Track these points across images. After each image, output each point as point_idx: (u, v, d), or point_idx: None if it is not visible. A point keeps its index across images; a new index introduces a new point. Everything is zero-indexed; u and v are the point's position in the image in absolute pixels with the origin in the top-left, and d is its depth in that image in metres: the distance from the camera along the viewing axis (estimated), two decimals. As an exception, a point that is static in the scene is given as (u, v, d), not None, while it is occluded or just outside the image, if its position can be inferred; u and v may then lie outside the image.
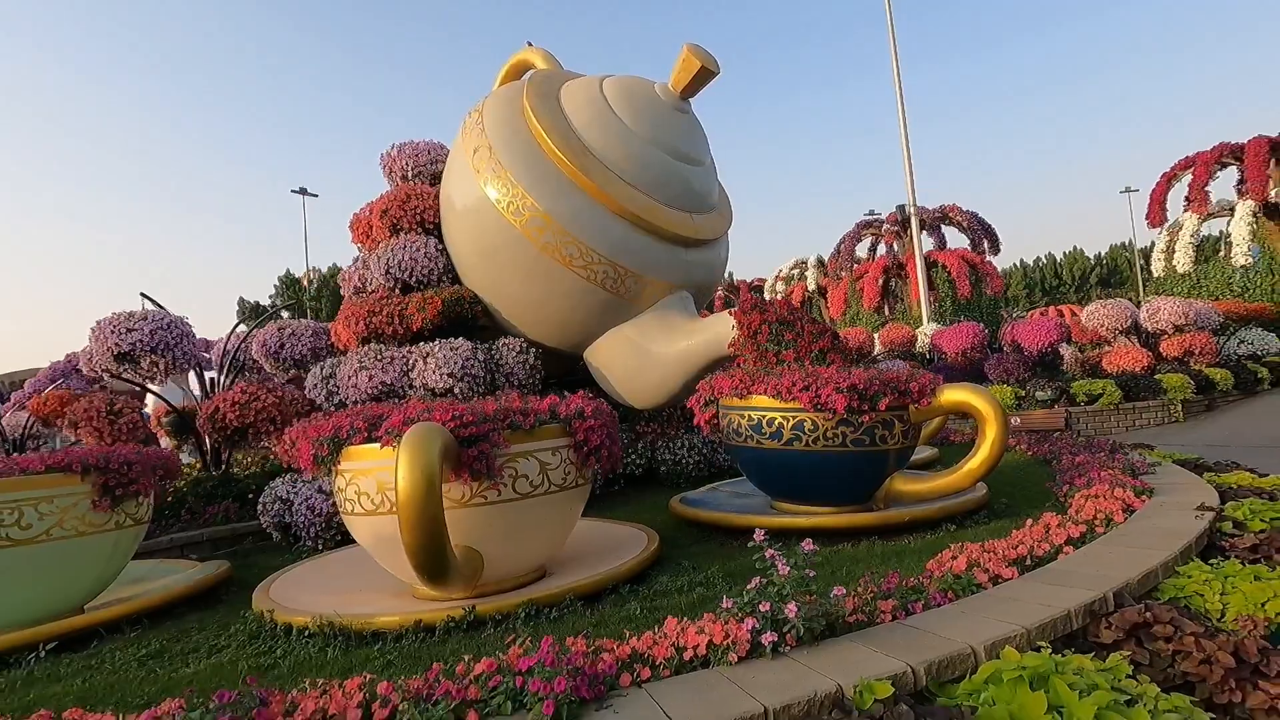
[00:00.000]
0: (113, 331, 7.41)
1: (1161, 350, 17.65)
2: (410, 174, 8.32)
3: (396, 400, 7.24)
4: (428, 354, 7.17)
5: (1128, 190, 64.30)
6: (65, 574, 4.56)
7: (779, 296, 32.75)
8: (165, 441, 10.03)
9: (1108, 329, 18.35)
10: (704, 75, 7.17)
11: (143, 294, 8.19)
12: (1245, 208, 21.52)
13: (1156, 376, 15.97)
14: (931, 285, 25.21)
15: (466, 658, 2.78)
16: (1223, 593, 3.26)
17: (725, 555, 5.00)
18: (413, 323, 7.48)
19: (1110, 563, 3.57)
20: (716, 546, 5.35)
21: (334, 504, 6.50)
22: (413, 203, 7.81)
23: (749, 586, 3.03)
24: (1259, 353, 19.16)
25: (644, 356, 7.39)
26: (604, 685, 2.46)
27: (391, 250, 7.69)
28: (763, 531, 3.21)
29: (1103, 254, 79.83)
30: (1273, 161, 21.93)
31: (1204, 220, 23.20)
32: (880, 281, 26.61)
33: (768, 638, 2.69)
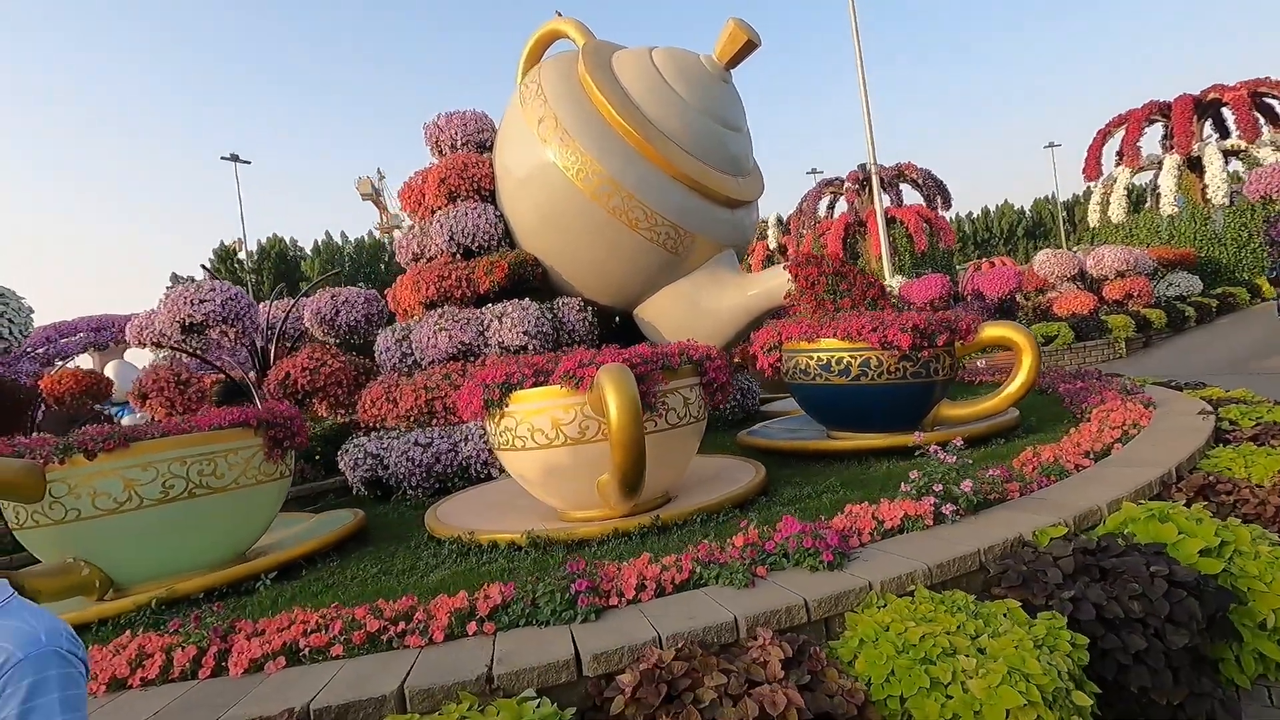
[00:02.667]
0: (186, 302, 7.61)
1: (1104, 294, 19.46)
2: (459, 143, 8.65)
3: (473, 359, 7.75)
4: (502, 314, 7.67)
5: (1051, 145, 67.58)
6: (246, 519, 5.04)
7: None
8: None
9: (1056, 276, 20.06)
10: (748, 48, 7.76)
11: (203, 265, 8.35)
12: (1172, 161, 23.52)
13: (1102, 318, 17.68)
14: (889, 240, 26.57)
15: (704, 540, 3.52)
16: (1247, 466, 4.27)
17: (822, 472, 5.83)
18: (480, 285, 7.95)
19: (1157, 451, 4.56)
20: (803, 468, 6.19)
21: (432, 455, 7.07)
22: (470, 170, 8.19)
23: (912, 476, 3.85)
24: (1185, 294, 21.29)
25: (696, 310, 8.09)
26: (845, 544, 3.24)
27: (454, 217, 8.08)
28: (920, 434, 4.01)
29: (1026, 208, 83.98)
30: (1195, 118, 23.94)
31: (1135, 174, 25.20)
32: (843, 238, 27.85)
33: (948, 508, 3.52)
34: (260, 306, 9.96)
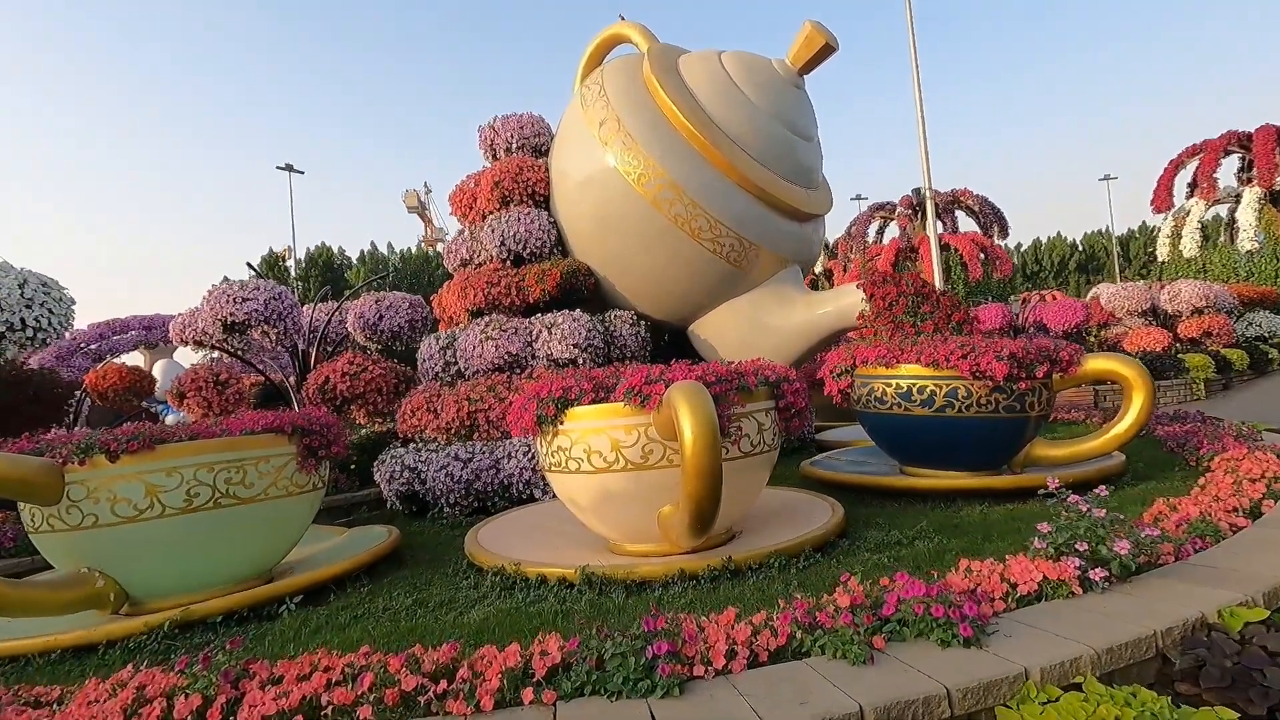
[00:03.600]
0: (228, 300, 7.37)
1: (1179, 331, 18.28)
2: (514, 147, 8.32)
3: (519, 371, 7.33)
4: (551, 325, 7.24)
5: (1106, 178, 65.29)
6: (274, 533, 4.63)
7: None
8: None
9: (1125, 310, 18.94)
10: (825, 52, 7.28)
11: (249, 264, 8.12)
12: (1253, 194, 22.22)
13: (1180, 356, 16.55)
14: (943, 267, 25.65)
15: (794, 593, 2.96)
16: None
17: (904, 513, 5.20)
18: (530, 294, 7.55)
19: (1324, 512, 3.85)
20: (879, 507, 5.57)
21: (472, 471, 6.63)
22: (525, 174, 7.84)
23: (1041, 529, 3.24)
24: (1266, 335, 19.94)
25: (759, 328, 7.55)
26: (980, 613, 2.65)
27: (506, 222, 7.72)
28: (1055, 479, 3.40)
29: (1078, 241, 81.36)
30: (1278, 150, 22.62)
31: (1210, 206, 23.91)
32: (893, 264, 26.99)
33: (1098, 574, 2.90)
34: (304, 309, 9.74)
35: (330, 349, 9.21)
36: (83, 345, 17.88)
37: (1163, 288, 18.75)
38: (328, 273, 55.43)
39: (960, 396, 5.64)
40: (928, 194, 24.80)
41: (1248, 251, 22.19)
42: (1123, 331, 18.64)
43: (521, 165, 7.89)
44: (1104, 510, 3.14)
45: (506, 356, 7.18)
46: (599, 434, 4.22)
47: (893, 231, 30.36)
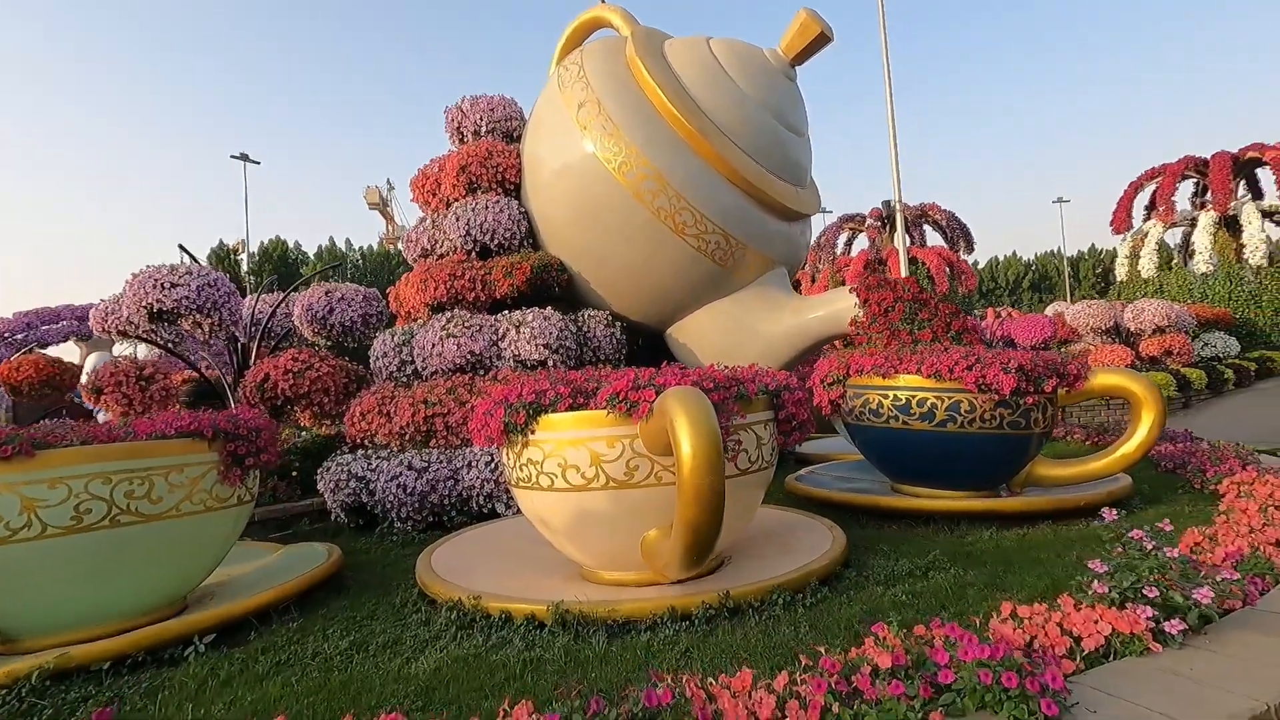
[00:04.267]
0: (154, 285, 6.56)
1: (1141, 350, 18.50)
2: (484, 130, 7.70)
3: (482, 372, 6.70)
4: (520, 323, 6.64)
5: (1060, 201, 67.32)
6: (188, 557, 3.92)
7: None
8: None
9: (1090, 328, 19.13)
10: (820, 41, 6.87)
11: (181, 246, 7.32)
12: (1208, 218, 22.82)
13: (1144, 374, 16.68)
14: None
15: (823, 649, 2.44)
16: None
17: (907, 538, 4.75)
18: (497, 289, 6.93)
19: (1375, 546, 3.50)
20: (876, 529, 5.11)
21: (427, 482, 5.97)
22: (495, 160, 7.22)
23: (1095, 567, 2.78)
24: (1221, 355, 20.38)
25: (744, 333, 7.07)
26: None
27: (473, 210, 7.09)
28: (1114, 511, 2.95)
29: (1034, 259, 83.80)
30: (1232, 176, 23.31)
31: (1167, 229, 24.51)
32: (861, 275, 27.02)
33: (1174, 626, 2.45)
34: (246, 300, 8.92)
35: (274, 344, 8.41)
36: (5, 334, 16.53)
37: (1124, 308, 18.98)
38: (282, 267, 53.41)
39: (963, 410, 5.24)
40: (898, 207, 24.89)
41: (1203, 274, 22.76)
42: (1086, 349, 18.80)
43: (491, 149, 7.28)
44: (1174, 549, 2.69)
45: (469, 356, 6.54)
46: (576, 446, 3.65)
47: (861, 243, 30.46)
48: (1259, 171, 24.46)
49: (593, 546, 3.89)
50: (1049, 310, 21.10)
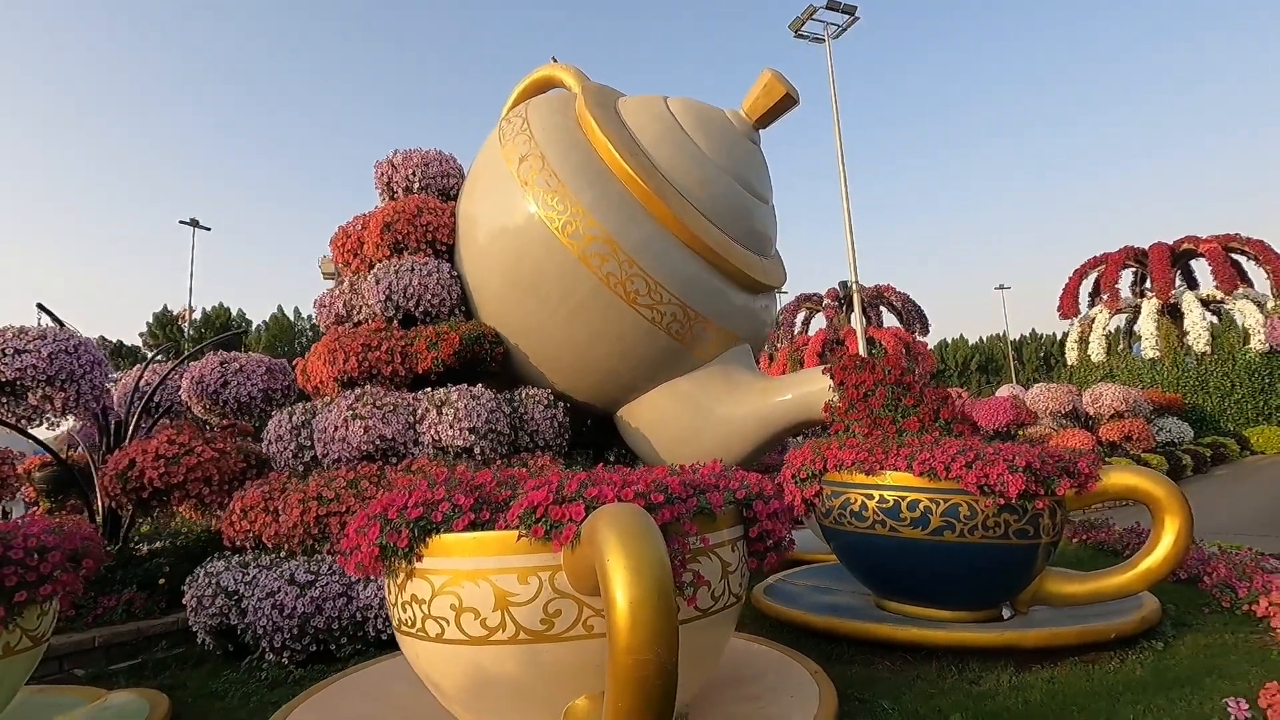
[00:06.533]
0: (-6, 351, 5.39)
1: (1100, 435, 18.30)
2: (416, 186, 6.91)
3: (395, 460, 5.63)
4: (443, 403, 5.65)
5: (1001, 288, 70.71)
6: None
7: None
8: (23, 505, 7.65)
9: (1049, 411, 18.93)
10: (785, 103, 6.38)
11: (39, 305, 6.18)
12: (1151, 306, 23.42)
13: (1105, 460, 16.36)
14: (870, 361, 25.61)
15: None
16: None
17: (902, 680, 3.78)
18: (419, 362, 5.96)
19: None
20: (863, 667, 4.13)
21: (312, 601, 4.79)
22: (425, 218, 6.40)
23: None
24: (1176, 440, 20.36)
25: (705, 417, 6.21)
26: None
27: (395, 272, 6.19)
28: (1241, 705, 2.07)
29: (980, 343, 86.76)
30: (1171, 266, 24.19)
31: (1113, 315, 25.09)
32: (819, 355, 26.80)
33: None
34: (132, 371, 7.72)
35: (153, 422, 7.18)
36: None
37: (1080, 392, 18.91)
38: (224, 332, 51.06)
39: (962, 516, 4.41)
40: (855, 287, 25.01)
41: (1150, 359, 23.15)
42: (1046, 432, 18.53)
43: (422, 206, 6.46)
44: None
45: (379, 441, 5.48)
46: (477, 580, 2.65)
47: (819, 323, 30.50)
48: (1193, 263, 25.49)
49: (495, 714, 2.81)
50: (1000, 392, 20.98)
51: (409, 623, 2.83)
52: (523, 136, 6.05)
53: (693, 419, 6.22)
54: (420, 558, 2.76)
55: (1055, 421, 19.26)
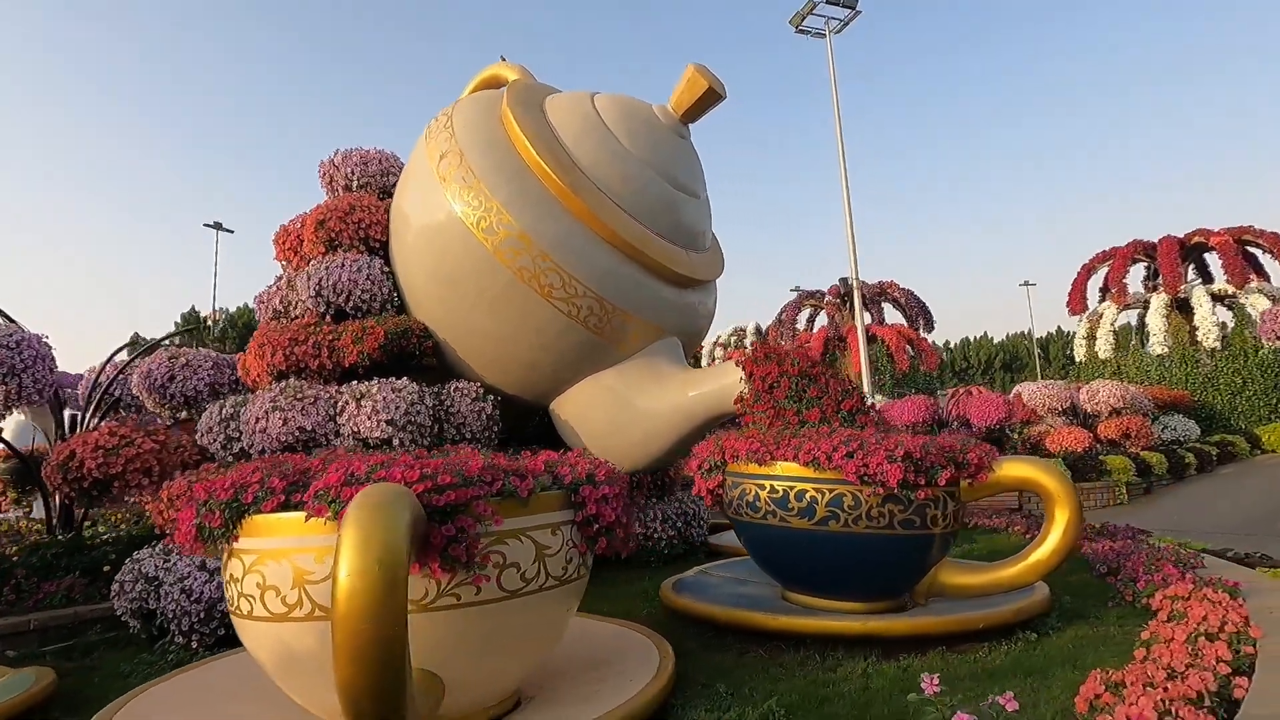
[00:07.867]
0: (-63, 347, 5.65)
1: (1099, 432, 17.92)
2: (355, 185, 7.07)
3: (320, 450, 5.78)
4: (362, 395, 5.79)
5: (1026, 284, 69.44)
6: None
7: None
8: None
9: (1047, 409, 18.59)
10: (710, 98, 6.40)
11: (-10, 303, 6.44)
12: (1160, 301, 22.87)
13: (1101, 458, 16.03)
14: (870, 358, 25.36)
15: None
16: None
17: (758, 669, 3.82)
18: (345, 356, 6.11)
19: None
20: (736, 655, 4.16)
21: (219, 587, 4.95)
22: (357, 215, 6.55)
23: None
24: (1181, 438, 19.88)
25: (628, 410, 6.26)
26: None
27: (326, 268, 6.35)
28: (934, 680, 2.09)
29: (1005, 340, 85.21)
30: (1180, 260, 23.58)
31: (1121, 311, 24.54)
32: (822, 352, 26.61)
33: None
34: (95, 365, 8.00)
35: (103, 414, 7.44)
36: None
37: (1079, 389, 18.55)
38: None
39: (846, 506, 4.42)
40: (855, 283, 24.77)
41: (1159, 355, 22.60)
42: (1045, 430, 18.20)
43: (355, 204, 6.61)
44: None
45: (298, 433, 5.64)
46: (280, 559, 2.76)
47: (822, 320, 30.29)
48: (1206, 256, 24.82)
49: (310, 695, 2.92)
50: (1016, 390, 20.65)
51: (231, 600, 2.95)
52: (445, 134, 6.16)
53: (617, 412, 6.28)
54: (236, 538, 2.88)
55: (1054, 418, 18.92)
